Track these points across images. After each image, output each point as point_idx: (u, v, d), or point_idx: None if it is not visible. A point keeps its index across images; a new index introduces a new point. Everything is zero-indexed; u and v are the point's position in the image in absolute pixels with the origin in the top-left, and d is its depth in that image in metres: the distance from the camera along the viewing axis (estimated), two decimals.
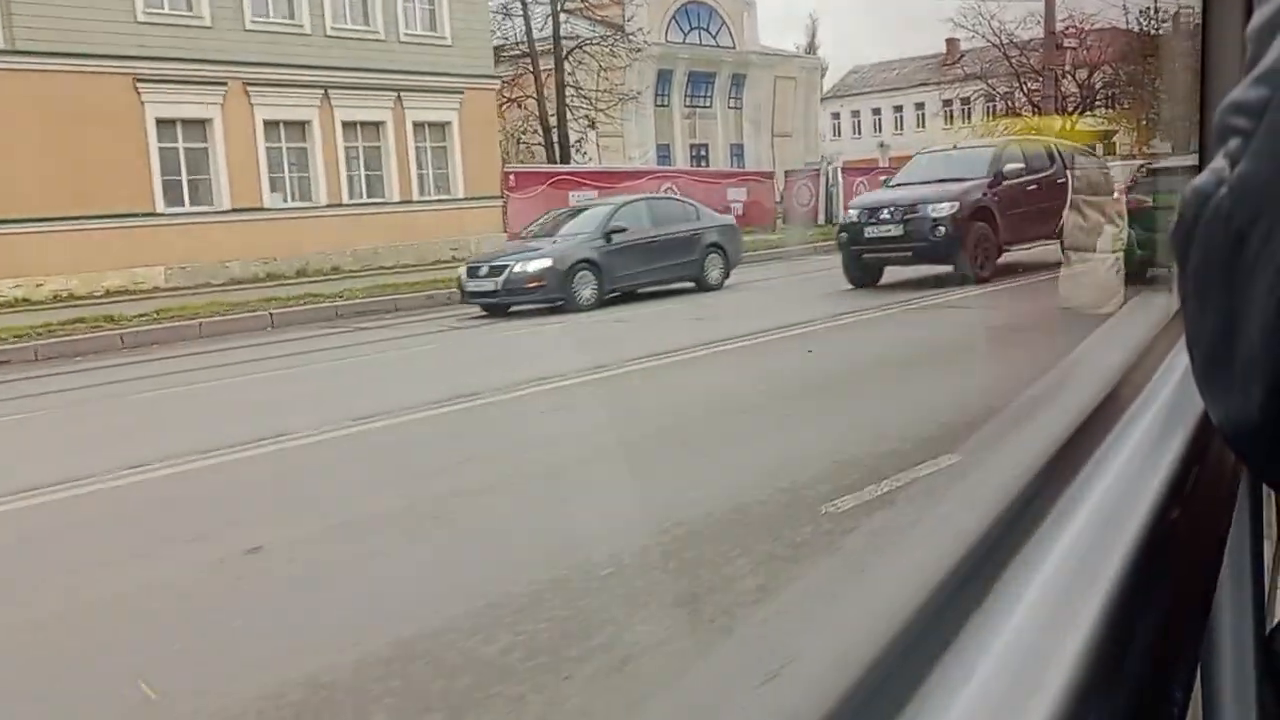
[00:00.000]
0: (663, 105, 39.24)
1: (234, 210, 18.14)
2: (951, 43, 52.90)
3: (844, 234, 12.45)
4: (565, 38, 29.96)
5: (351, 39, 19.60)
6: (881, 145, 58.33)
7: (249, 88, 18.33)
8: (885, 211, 11.87)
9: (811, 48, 71.56)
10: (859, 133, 60.60)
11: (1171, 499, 0.61)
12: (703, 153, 40.98)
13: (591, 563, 3.45)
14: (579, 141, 29.60)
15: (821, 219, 27.46)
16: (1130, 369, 0.97)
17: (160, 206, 17.38)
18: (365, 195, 20.15)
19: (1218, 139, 0.50)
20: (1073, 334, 4.77)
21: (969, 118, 52.78)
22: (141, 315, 12.33)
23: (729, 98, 41.41)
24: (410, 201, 20.68)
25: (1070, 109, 46.03)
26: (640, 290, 12.97)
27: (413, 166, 20.55)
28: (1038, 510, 0.59)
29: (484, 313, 12.35)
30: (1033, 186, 12.26)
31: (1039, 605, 0.48)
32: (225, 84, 18.03)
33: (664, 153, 39.37)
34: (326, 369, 9.31)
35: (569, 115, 29.22)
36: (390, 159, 20.23)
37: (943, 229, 11.37)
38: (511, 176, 22.14)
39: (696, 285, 13.41)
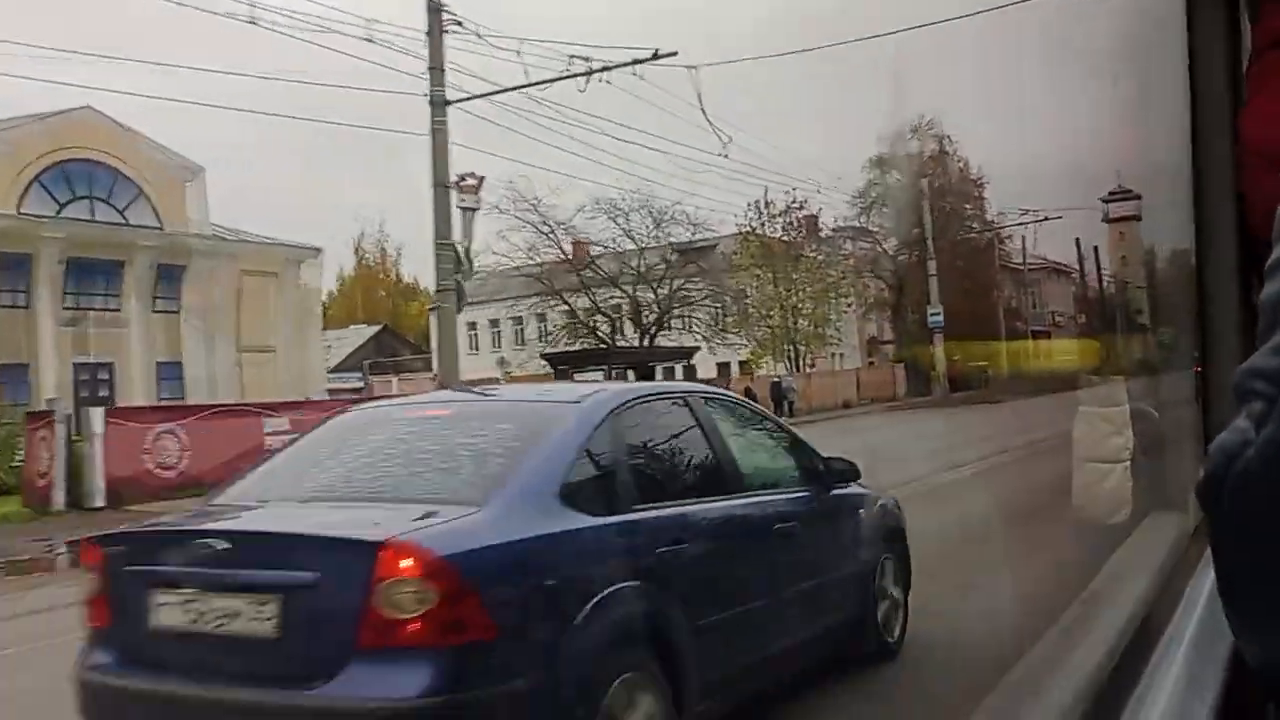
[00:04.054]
0: (14, 306, 25.90)
1: None
2: (579, 245, 43.36)
3: None
4: None
5: None
6: (501, 361, 48.37)
7: None
8: None
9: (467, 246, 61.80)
10: (476, 348, 50.08)
11: None
12: (103, 376, 27.49)
13: None
14: None
15: (60, 500, 14.20)
16: (1156, 600, 1.01)
17: None
18: None
19: (1238, 399, 0.54)
20: None
21: (595, 330, 43.21)
22: None
23: (153, 298, 28.59)
24: None
25: (648, 320, 36.69)
26: None
27: None
28: None
29: None
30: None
31: None
32: None
33: (19, 377, 25.57)
34: None
35: None
36: None
37: None
38: None
39: None
